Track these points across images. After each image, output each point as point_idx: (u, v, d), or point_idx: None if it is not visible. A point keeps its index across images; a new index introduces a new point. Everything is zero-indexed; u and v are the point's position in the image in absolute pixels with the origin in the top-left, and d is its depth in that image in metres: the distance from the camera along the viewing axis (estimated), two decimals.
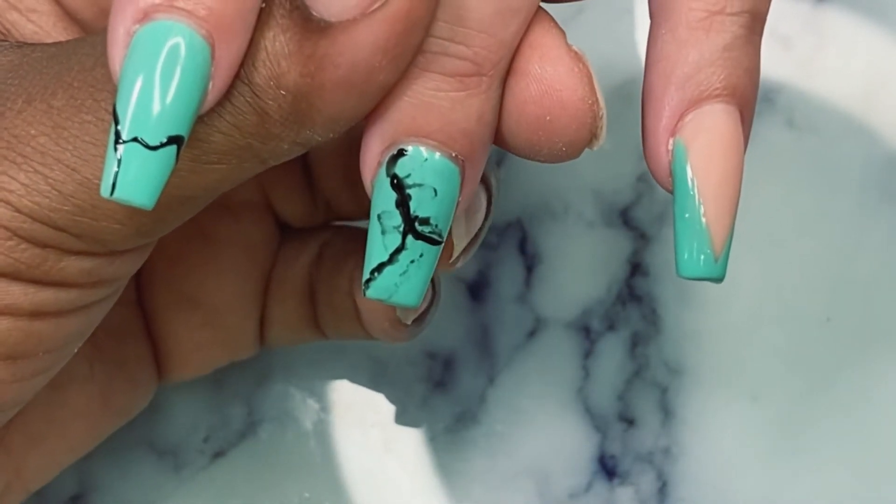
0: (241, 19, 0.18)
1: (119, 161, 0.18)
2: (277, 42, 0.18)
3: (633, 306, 0.32)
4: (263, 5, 0.18)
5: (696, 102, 0.20)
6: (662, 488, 0.31)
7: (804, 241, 0.32)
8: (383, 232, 0.21)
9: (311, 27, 0.18)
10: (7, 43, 0.22)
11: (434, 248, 0.21)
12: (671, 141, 0.20)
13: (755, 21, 0.21)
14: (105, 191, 0.18)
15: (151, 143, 0.18)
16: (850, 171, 0.32)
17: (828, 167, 0.32)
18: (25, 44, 0.22)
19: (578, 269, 0.32)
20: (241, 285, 0.28)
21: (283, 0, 0.18)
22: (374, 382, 0.32)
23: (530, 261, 0.32)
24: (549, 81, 0.20)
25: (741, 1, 0.20)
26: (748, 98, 0.21)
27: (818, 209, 0.32)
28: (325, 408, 0.32)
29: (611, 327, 0.32)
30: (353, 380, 0.32)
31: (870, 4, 0.33)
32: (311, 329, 0.29)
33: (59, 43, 0.21)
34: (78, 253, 0.21)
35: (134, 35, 0.18)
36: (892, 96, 0.32)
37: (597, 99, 0.20)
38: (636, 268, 0.32)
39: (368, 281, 0.21)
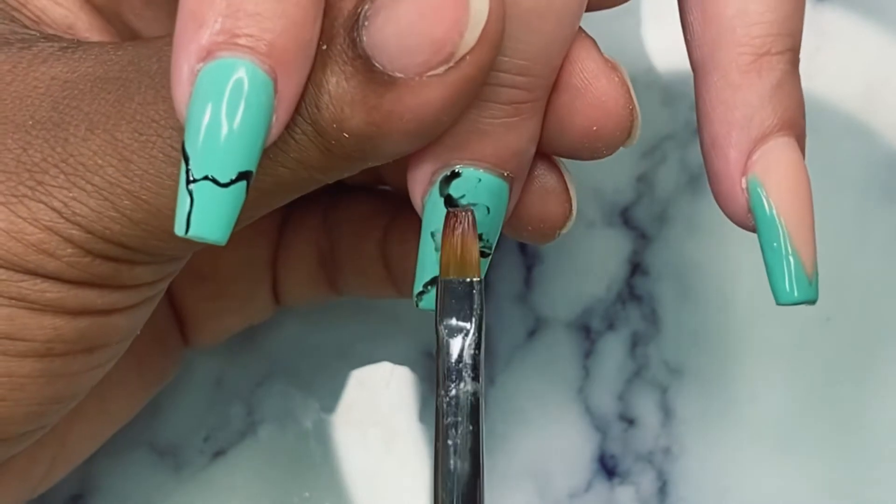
0: (302, 52, 0.18)
1: (192, 199, 0.18)
2: (341, 88, 0.19)
3: (633, 306, 0.32)
4: (325, 47, 0.19)
5: (761, 140, 0.21)
6: (662, 488, 0.31)
7: None
8: (437, 249, 0.21)
9: (376, 78, 0.19)
10: (50, 46, 0.22)
11: (484, 261, 0.22)
12: (744, 180, 0.21)
13: (795, 56, 0.22)
14: (180, 229, 0.18)
15: (222, 181, 0.18)
16: (851, 171, 0.32)
17: (828, 167, 0.32)
18: (68, 46, 0.22)
19: (578, 268, 0.32)
20: (248, 254, 0.29)
21: (344, 46, 0.19)
22: (374, 382, 0.32)
23: (530, 261, 0.32)
24: (593, 94, 0.21)
25: (783, 40, 0.21)
26: (802, 128, 0.22)
27: (818, 209, 0.32)
28: (325, 408, 0.32)
29: (611, 327, 0.32)
30: (353, 380, 0.32)
31: (870, 4, 0.33)
32: (324, 289, 0.30)
33: (104, 55, 0.21)
34: (147, 263, 0.22)
35: (198, 73, 0.18)
36: (892, 96, 0.32)
37: (634, 103, 0.22)
38: (636, 268, 0.32)
39: (421, 294, 0.22)
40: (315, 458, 0.31)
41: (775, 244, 0.21)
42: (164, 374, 0.30)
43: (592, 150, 0.22)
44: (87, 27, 0.24)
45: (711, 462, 0.31)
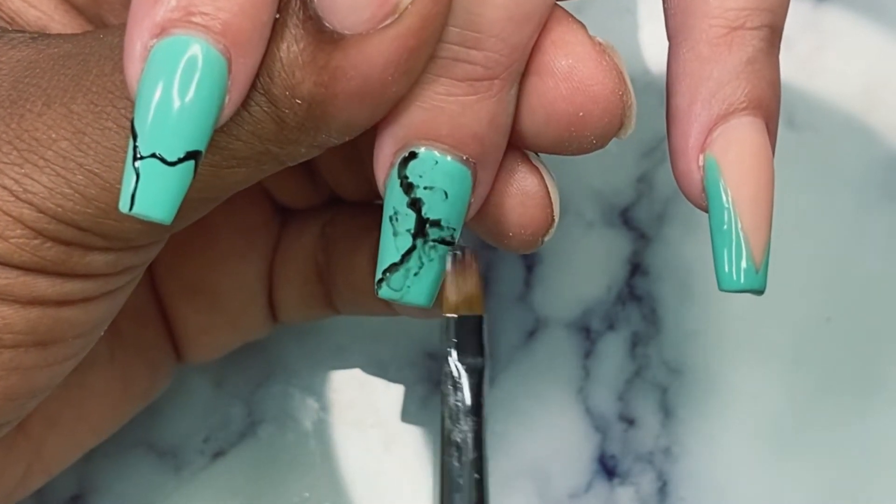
0: (257, 33, 0.18)
1: (137, 176, 0.18)
2: (292, 52, 0.19)
3: (633, 306, 0.32)
4: (278, 17, 0.19)
5: (723, 117, 0.20)
6: (662, 488, 0.31)
7: (804, 241, 0.32)
8: (395, 234, 0.21)
9: (325, 38, 0.18)
10: (21, 35, 0.22)
11: (445, 248, 0.21)
12: (701, 157, 0.21)
13: (774, 34, 0.21)
14: (124, 206, 0.18)
15: (170, 159, 0.18)
16: (850, 170, 0.32)
17: (828, 167, 0.32)
18: (39, 35, 0.22)
19: (578, 269, 0.32)
20: (243, 270, 0.29)
21: (296, 10, 0.19)
22: (374, 382, 0.32)
23: (530, 261, 0.32)
24: (578, 78, 0.20)
25: (760, 15, 0.20)
26: (773, 110, 0.21)
27: (818, 209, 0.32)
28: (325, 408, 0.32)
29: (611, 327, 0.32)
30: (353, 380, 0.32)
31: (870, 4, 0.33)
32: (321, 306, 0.29)
33: (73, 37, 0.21)
34: (101, 249, 0.21)
35: (151, 50, 0.18)
36: (892, 96, 0.32)
37: (627, 88, 0.21)
38: (636, 268, 0.32)
39: (381, 281, 0.21)
40: (315, 458, 0.31)
41: (725, 227, 0.21)
42: (152, 388, 0.29)
43: (581, 140, 0.21)
44: (60, 28, 0.24)
45: (711, 462, 0.31)
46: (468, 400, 0.21)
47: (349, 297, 0.29)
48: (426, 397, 0.32)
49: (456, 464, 0.21)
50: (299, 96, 0.19)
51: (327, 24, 0.18)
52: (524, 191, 0.22)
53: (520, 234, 0.22)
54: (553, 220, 0.22)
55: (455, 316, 0.21)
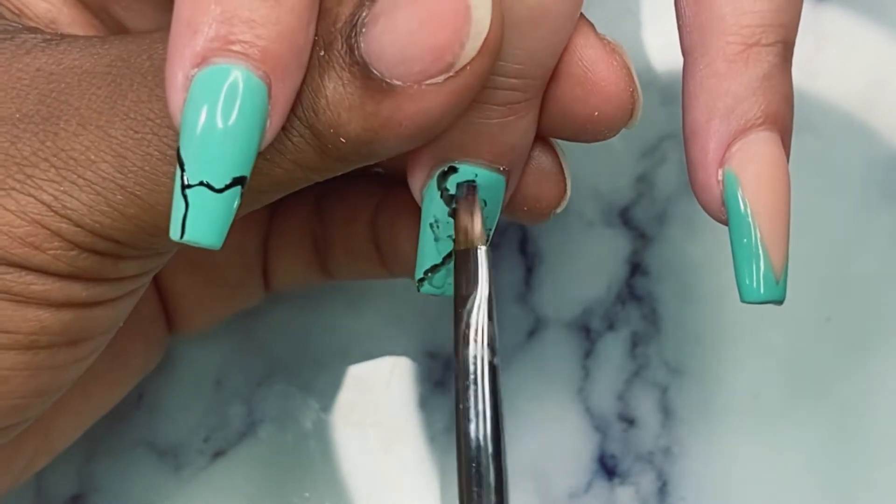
0: (295, 58, 0.19)
1: (187, 205, 0.18)
2: (338, 93, 0.19)
3: (633, 306, 0.32)
4: (322, 53, 0.19)
5: (741, 132, 0.21)
6: (662, 488, 0.31)
7: (804, 241, 0.32)
8: (436, 239, 0.22)
9: (373, 86, 0.19)
10: (33, 38, 0.22)
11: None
12: (720, 171, 0.21)
13: (787, 50, 0.21)
14: (174, 234, 0.19)
15: (217, 186, 0.18)
16: (850, 170, 0.32)
17: (828, 167, 0.32)
18: (51, 38, 0.22)
19: (578, 269, 0.32)
20: (238, 241, 0.29)
21: (342, 52, 0.19)
22: (374, 382, 0.32)
23: (530, 261, 0.32)
24: (593, 81, 0.21)
25: (775, 31, 0.21)
26: (788, 124, 0.22)
27: (818, 209, 0.32)
28: (325, 408, 0.32)
29: (611, 327, 0.32)
30: (353, 380, 0.32)
31: (870, 4, 0.33)
32: (316, 273, 0.30)
33: (89, 49, 0.21)
34: (133, 258, 0.22)
35: (192, 79, 0.18)
36: (893, 96, 0.32)
37: (635, 84, 0.22)
38: (636, 268, 0.32)
39: (422, 280, 0.23)
40: (315, 458, 0.31)
41: (745, 240, 0.21)
42: (148, 362, 0.30)
43: (595, 133, 0.22)
44: (69, 22, 0.24)
45: (711, 462, 0.31)
46: (464, 327, 0.21)
47: (346, 262, 0.29)
48: (426, 397, 0.32)
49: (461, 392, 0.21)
50: (344, 136, 0.19)
51: (375, 72, 0.19)
52: (541, 168, 0.23)
53: (535, 206, 0.23)
54: (566, 193, 0.23)
55: (459, 250, 0.22)
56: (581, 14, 0.21)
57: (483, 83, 0.19)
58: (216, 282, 0.29)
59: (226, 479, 0.31)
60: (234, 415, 0.32)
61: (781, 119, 0.21)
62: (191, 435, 0.31)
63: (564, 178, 0.23)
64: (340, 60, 0.19)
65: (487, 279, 0.21)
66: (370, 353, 0.32)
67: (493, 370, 0.21)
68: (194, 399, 0.32)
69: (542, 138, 0.23)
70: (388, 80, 0.19)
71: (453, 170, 0.21)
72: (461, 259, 0.21)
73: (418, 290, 0.23)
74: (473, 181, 0.21)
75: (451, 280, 0.22)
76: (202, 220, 0.18)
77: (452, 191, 0.21)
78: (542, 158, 0.23)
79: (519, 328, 0.32)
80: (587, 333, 0.32)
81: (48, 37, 0.22)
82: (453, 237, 0.22)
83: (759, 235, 0.21)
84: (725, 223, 0.21)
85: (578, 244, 0.32)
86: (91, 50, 0.21)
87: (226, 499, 0.31)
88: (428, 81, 0.19)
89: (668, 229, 0.32)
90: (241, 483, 0.31)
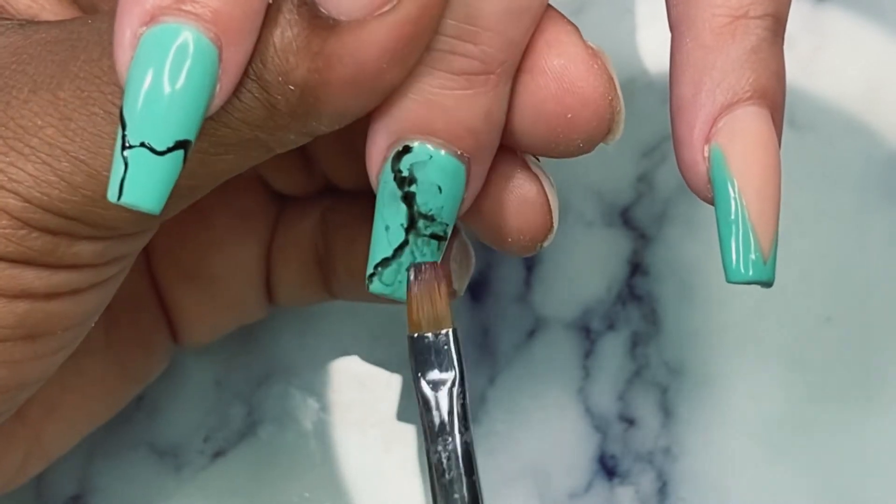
0: (249, 21, 0.18)
1: (126, 166, 0.18)
2: (286, 37, 0.18)
3: (633, 306, 0.32)
4: (271, 2, 0.18)
5: (727, 107, 0.20)
6: (662, 488, 0.31)
7: (804, 241, 0.32)
8: (387, 228, 0.21)
9: (320, 24, 0.18)
10: (9, 23, 0.22)
11: (437, 244, 0.21)
12: (707, 148, 0.20)
13: (778, 24, 0.21)
14: (112, 195, 0.18)
15: (159, 149, 0.18)
16: (851, 170, 0.32)
17: (828, 167, 0.32)
18: (28, 22, 0.22)
19: (578, 269, 0.32)
20: (240, 254, 0.29)
21: None
22: (374, 382, 0.32)
23: (530, 261, 0.32)
24: (569, 78, 0.20)
25: (763, 4, 0.20)
26: (778, 100, 0.21)
27: (818, 209, 0.32)
28: (325, 408, 0.32)
29: (611, 327, 0.32)
30: (353, 380, 0.32)
31: (870, 4, 0.33)
32: (318, 291, 0.29)
33: (61, 24, 0.21)
34: (89, 238, 0.21)
35: (140, 37, 0.18)
36: (893, 96, 0.32)
37: (616, 94, 0.21)
38: (636, 268, 0.32)
39: (372, 275, 0.21)
40: (315, 458, 0.31)
41: (731, 218, 0.20)
42: (148, 372, 0.29)
43: (568, 142, 0.21)
44: (52, 17, 0.24)
45: (711, 462, 0.31)
46: (439, 419, 0.20)
47: (348, 283, 0.29)
48: None
49: (439, 482, 0.21)
50: (292, 82, 0.19)
51: (322, 10, 0.18)
52: (523, 197, 0.22)
53: (519, 239, 0.22)
54: (552, 226, 0.22)
55: (415, 336, 0.21)
56: (568, 20, 0.21)
57: (427, 21, 0.19)
58: (216, 294, 0.29)
59: (226, 479, 0.31)
60: (234, 415, 0.32)
61: (771, 94, 0.20)
62: (191, 435, 0.31)
63: (550, 210, 0.22)
64: (288, 3, 0.18)
65: (461, 362, 0.20)
66: (370, 354, 0.32)
67: (472, 454, 0.20)
68: (194, 399, 0.32)
69: (525, 166, 0.22)
70: (335, 17, 0.18)
71: (407, 149, 0.20)
72: (425, 345, 0.20)
73: (368, 289, 0.21)
74: (435, 261, 0.20)
75: (401, 279, 0.21)
76: (141, 183, 0.18)
77: (405, 173, 0.20)
78: (525, 186, 0.22)
79: (519, 328, 0.32)
80: (587, 333, 0.32)
81: (24, 22, 0.22)
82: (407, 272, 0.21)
83: (745, 213, 0.20)
84: (712, 202, 0.21)
85: (578, 244, 0.32)
86: (62, 24, 0.21)
87: (226, 499, 0.31)
88: (374, 13, 0.18)
89: (668, 229, 0.32)
90: (241, 483, 0.31)
